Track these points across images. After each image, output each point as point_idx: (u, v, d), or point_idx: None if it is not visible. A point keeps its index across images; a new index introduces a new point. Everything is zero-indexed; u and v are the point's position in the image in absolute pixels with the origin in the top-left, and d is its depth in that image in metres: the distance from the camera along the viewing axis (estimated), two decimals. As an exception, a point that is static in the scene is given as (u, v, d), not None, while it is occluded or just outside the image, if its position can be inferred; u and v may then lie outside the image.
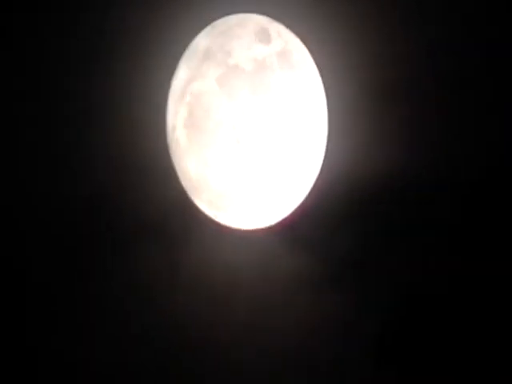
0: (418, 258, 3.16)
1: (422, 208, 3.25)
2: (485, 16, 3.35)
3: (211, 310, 3.05)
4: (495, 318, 3.10)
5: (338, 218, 3.21)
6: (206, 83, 3.03)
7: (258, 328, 3.02)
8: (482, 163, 3.30)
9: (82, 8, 3.40)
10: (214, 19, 3.15)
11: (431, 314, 3.09)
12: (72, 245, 3.18)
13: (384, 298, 3.07)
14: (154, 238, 3.22)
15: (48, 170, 3.32)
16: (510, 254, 3.14)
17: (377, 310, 3.07)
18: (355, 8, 3.37)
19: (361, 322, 3.04)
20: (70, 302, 3.08)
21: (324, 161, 3.16)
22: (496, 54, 3.36)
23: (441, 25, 3.39)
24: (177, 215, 3.26)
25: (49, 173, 3.32)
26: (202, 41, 3.13)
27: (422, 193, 3.29)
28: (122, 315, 3.05)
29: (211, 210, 3.16)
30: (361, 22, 3.35)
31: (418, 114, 3.38)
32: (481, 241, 3.19)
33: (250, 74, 3.00)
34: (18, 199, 3.28)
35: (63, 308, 3.06)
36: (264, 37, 3.07)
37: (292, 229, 3.16)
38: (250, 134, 2.97)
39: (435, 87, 3.40)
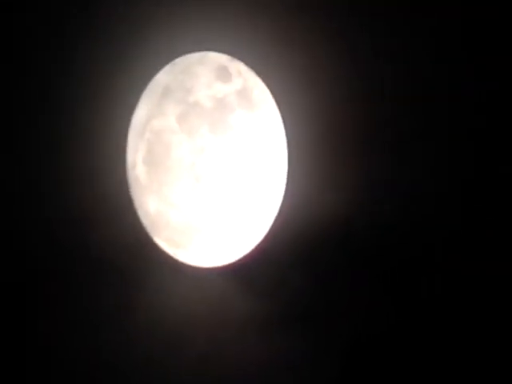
0: (366, 303, 3.18)
1: (374, 255, 3.27)
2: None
3: (164, 348, 3.03)
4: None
5: (294, 259, 3.21)
6: (166, 120, 3.03)
7: (210, 369, 3.00)
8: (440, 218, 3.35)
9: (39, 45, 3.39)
10: (174, 57, 3.16)
11: (382, 356, 3.09)
12: (21, 279, 3.15)
13: (335, 340, 3.08)
14: (111, 276, 3.19)
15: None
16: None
17: (328, 352, 3.07)
18: (319, 47, 3.39)
19: (312, 364, 3.04)
20: (15, 335, 3.04)
21: (282, 202, 3.17)
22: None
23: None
24: (135, 253, 3.25)
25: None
26: (161, 78, 3.14)
27: (376, 240, 3.31)
28: (70, 353, 3.02)
29: (170, 247, 3.15)
30: (325, 61, 3.38)
31: (379, 158, 3.40)
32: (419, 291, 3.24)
33: (210, 111, 3.01)
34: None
35: (7, 344, 3.03)
36: (224, 75, 3.09)
37: (249, 268, 3.17)
38: (209, 172, 2.98)
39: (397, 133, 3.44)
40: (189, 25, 3.33)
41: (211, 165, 2.98)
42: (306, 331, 3.13)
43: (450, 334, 3.13)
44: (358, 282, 3.23)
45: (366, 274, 3.24)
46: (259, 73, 3.15)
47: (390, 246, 3.27)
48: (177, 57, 3.16)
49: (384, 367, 3.06)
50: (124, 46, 3.32)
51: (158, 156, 3.03)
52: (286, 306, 3.19)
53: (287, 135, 3.13)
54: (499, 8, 3.35)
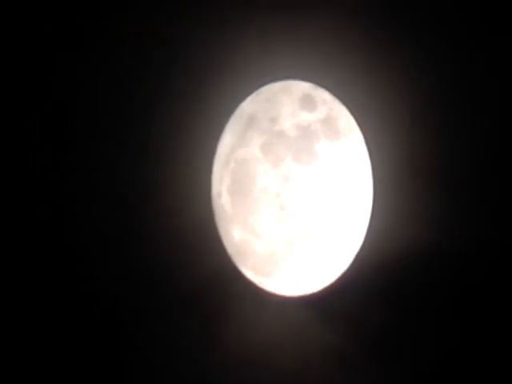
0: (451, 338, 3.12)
1: (460, 290, 3.20)
2: None
3: (247, 377, 3.04)
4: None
5: (376, 292, 3.17)
6: (250, 150, 3.04)
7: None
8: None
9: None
10: (259, 86, 3.17)
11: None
12: (108, 307, 3.20)
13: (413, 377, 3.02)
14: (196, 304, 3.21)
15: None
16: None
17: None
18: (405, 76, 3.36)
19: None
20: (101, 366, 3.08)
21: (367, 231, 3.14)
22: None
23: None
24: (221, 281, 3.26)
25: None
26: (246, 107, 3.16)
27: (462, 275, 3.25)
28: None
29: (256, 276, 3.16)
30: (414, 94, 3.34)
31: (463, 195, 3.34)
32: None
33: (295, 140, 3.01)
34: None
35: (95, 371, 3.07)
36: (309, 103, 3.08)
37: (332, 299, 3.14)
38: (294, 201, 2.97)
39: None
40: (273, 53, 3.35)
41: (296, 194, 2.98)
42: (383, 369, 3.09)
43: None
44: (440, 320, 3.18)
45: (450, 313, 3.18)
46: (344, 101, 3.14)
47: (474, 282, 3.21)
48: (261, 86, 3.17)
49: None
50: (209, 75, 3.35)
51: (242, 185, 3.04)
52: (365, 341, 3.15)
53: (372, 164, 3.11)
54: None
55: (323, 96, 3.12)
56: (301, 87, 3.14)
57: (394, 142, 3.22)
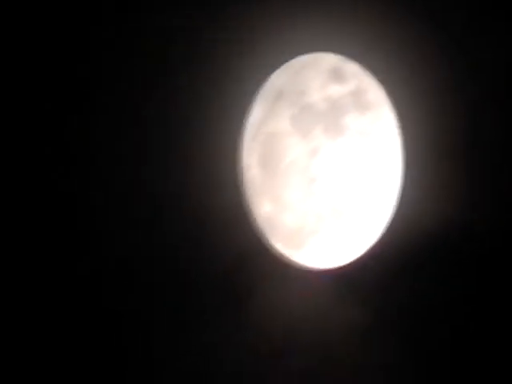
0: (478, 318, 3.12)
1: (488, 266, 3.18)
2: None
3: (274, 349, 3.07)
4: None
5: (404, 267, 3.16)
6: (280, 123, 3.04)
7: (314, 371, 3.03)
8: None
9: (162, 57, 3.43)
10: (288, 59, 3.16)
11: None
12: (144, 291, 3.22)
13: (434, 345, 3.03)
14: (227, 278, 3.22)
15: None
16: None
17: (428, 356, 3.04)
18: (437, 49, 3.31)
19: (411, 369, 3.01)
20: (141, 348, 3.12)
21: (396, 206, 3.13)
22: None
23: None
24: (251, 254, 3.27)
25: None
26: (275, 80, 3.15)
27: (489, 253, 3.22)
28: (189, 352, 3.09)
29: (285, 248, 3.16)
30: (441, 63, 3.29)
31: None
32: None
33: (324, 113, 3.00)
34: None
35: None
36: (338, 76, 3.07)
37: (359, 272, 3.14)
38: (323, 174, 2.97)
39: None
40: (301, 26, 3.32)
41: (325, 167, 2.98)
42: (404, 339, 3.11)
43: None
44: (466, 297, 3.17)
45: (475, 291, 3.18)
46: (374, 73, 3.11)
47: (501, 261, 3.19)
48: (290, 59, 3.16)
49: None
50: (239, 48, 3.34)
51: (271, 158, 3.04)
52: (390, 314, 3.16)
53: (402, 137, 3.09)
54: None
55: (352, 68, 3.11)
56: (330, 60, 3.13)
57: (424, 116, 3.19)
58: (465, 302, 3.17)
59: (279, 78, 3.14)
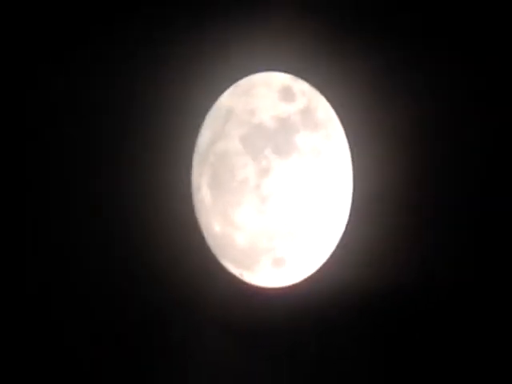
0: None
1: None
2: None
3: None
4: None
5: (354, 284, 3.18)
6: (230, 143, 3.04)
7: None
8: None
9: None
10: (237, 78, 3.16)
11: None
12: (95, 305, 3.20)
13: None
14: (179, 299, 3.21)
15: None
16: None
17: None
18: (384, 64, 3.34)
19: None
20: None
21: (347, 223, 3.14)
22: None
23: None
24: (202, 274, 3.26)
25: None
26: (225, 100, 3.14)
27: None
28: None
29: (237, 268, 3.15)
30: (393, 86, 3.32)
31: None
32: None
33: (274, 132, 3.00)
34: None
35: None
36: (288, 95, 3.08)
37: (310, 290, 3.15)
38: (274, 193, 2.97)
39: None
40: (250, 45, 3.33)
41: (276, 186, 2.98)
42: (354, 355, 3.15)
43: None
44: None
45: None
46: (323, 92, 3.13)
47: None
48: (239, 78, 3.16)
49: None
50: (187, 70, 3.33)
51: (222, 178, 3.03)
52: (343, 329, 3.19)
53: (352, 153, 3.10)
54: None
55: (302, 87, 3.12)
56: (280, 79, 3.14)
57: (373, 131, 3.21)
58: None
59: (229, 98, 3.14)
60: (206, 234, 3.15)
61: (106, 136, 3.36)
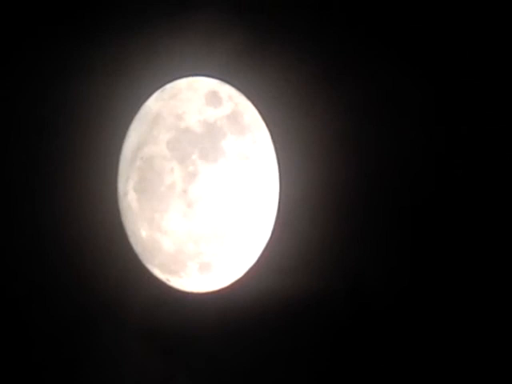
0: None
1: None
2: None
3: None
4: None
5: (281, 288, 3.20)
6: (157, 147, 3.02)
7: None
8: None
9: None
10: (164, 83, 3.15)
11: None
12: (22, 308, 3.14)
13: None
14: (106, 305, 3.17)
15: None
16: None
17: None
18: (309, 70, 3.37)
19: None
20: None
21: (274, 227, 3.16)
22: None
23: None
24: (128, 279, 3.23)
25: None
26: (151, 105, 3.13)
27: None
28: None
29: (163, 274, 3.14)
30: (317, 84, 3.35)
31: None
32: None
33: (201, 137, 3.00)
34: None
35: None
36: (215, 100, 3.08)
37: (239, 294, 3.16)
38: (201, 198, 2.96)
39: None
40: (177, 50, 3.32)
41: (203, 191, 2.97)
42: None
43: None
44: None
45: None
46: (249, 96, 3.14)
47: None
48: (166, 83, 3.15)
49: None
50: (113, 75, 3.30)
51: (149, 183, 3.01)
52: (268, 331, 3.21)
53: (278, 158, 3.13)
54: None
55: (228, 92, 3.13)
56: (207, 83, 3.13)
57: (299, 135, 3.24)
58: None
59: (155, 103, 3.12)
60: (132, 239, 3.13)
61: (31, 142, 3.31)
